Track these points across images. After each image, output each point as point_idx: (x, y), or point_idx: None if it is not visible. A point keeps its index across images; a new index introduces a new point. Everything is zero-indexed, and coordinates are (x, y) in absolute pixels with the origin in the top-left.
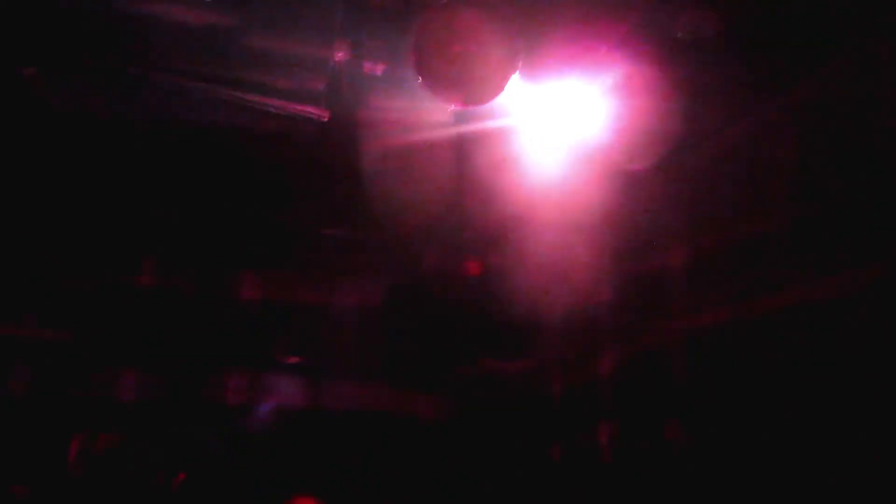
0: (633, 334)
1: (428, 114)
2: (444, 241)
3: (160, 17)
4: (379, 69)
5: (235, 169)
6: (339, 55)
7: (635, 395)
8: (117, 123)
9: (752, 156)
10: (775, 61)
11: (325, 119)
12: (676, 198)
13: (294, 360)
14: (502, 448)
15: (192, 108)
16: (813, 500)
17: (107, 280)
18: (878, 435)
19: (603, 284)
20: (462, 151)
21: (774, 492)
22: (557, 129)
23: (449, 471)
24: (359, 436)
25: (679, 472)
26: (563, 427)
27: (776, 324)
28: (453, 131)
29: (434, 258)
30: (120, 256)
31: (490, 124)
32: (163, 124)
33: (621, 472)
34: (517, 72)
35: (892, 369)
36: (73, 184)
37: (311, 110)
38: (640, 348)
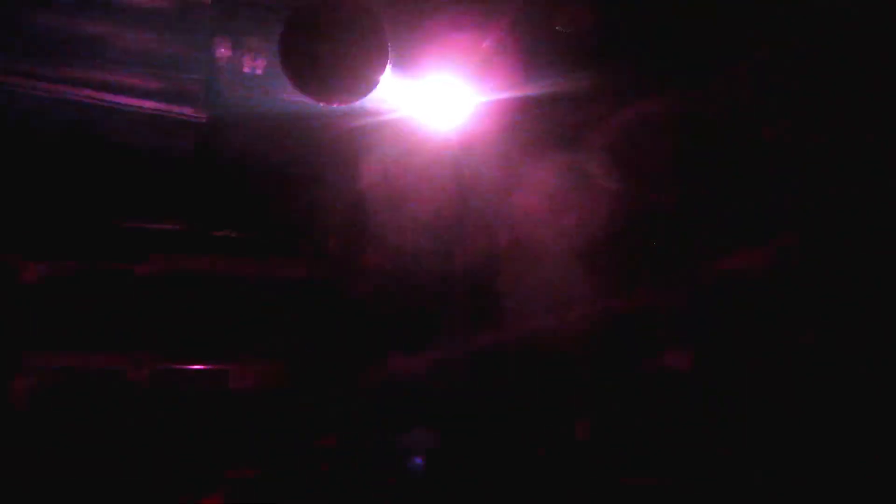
0: (527, 323)
1: (313, 108)
2: (337, 239)
3: (21, 17)
4: (260, 66)
5: (111, 174)
6: (218, 54)
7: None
8: None
9: (626, 148)
10: (653, 56)
11: (203, 120)
12: (557, 191)
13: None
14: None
15: (62, 112)
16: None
17: None
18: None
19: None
20: (345, 146)
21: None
22: (434, 121)
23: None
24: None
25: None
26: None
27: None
28: (336, 126)
29: (329, 257)
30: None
31: (373, 119)
32: (31, 129)
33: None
34: (390, 67)
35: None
36: None
37: (188, 111)
38: (538, 338)
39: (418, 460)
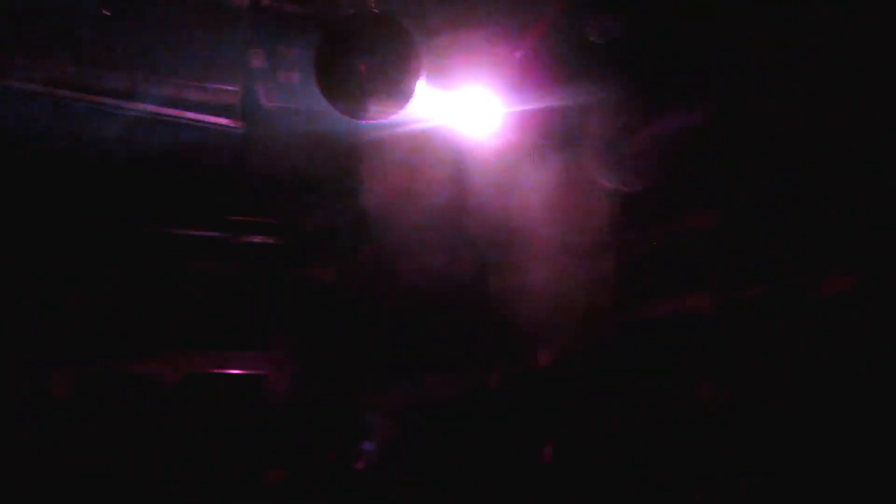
0: (564, 333)
1: (345, 120)
2: (368, 246)
3: (68, 31)
4: (294, 77)
5: (151, 182)
6: (253, 64)
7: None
8: (28, 142)
9: (659, 159)
10: (684, 68)
11: (240, 130)
12: (590, 199)
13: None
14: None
15: (104, 124)
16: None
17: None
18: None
19: (523, 284)
20: (379, 156)
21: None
22: (467, 132)
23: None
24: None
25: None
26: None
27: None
28: (370, 137)
29: (359, 263)
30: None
31: (408, 129)
32: (76, 140)
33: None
34: (425, 80)
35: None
36: None
37: (224, 122)
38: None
39: (368, 446)
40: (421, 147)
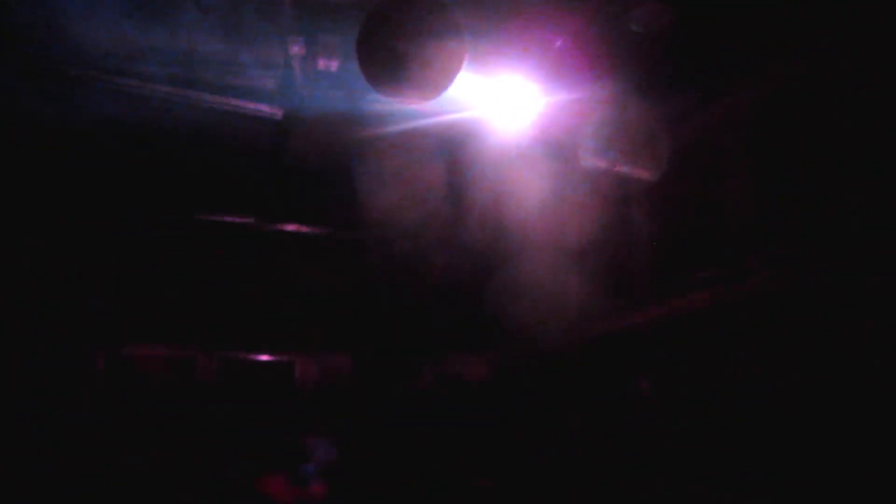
0: (598, 322)
1: (385, 108)
2: (405, 237)
3: (111, 19)
4: (334, 65)
5: (190, 167)
6: (293, 51)
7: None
8: (76, 127)
9: (706, 150)
10: (730, 56)
11: (279, 117)
12: (634, 190)
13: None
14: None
15: (144, 109)
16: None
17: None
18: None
19: (567, 276)
20: (419, 145)
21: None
22: (510, 121)
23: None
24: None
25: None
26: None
27: (740, 312)
28: (408, 125)
29: (397, 254)
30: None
31: (445, 118)
32: (116, 126)
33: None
34: (467, 66)
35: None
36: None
37: (264, 108)
38: (606, 334)
39: (309, 467)
40: (462, 135)
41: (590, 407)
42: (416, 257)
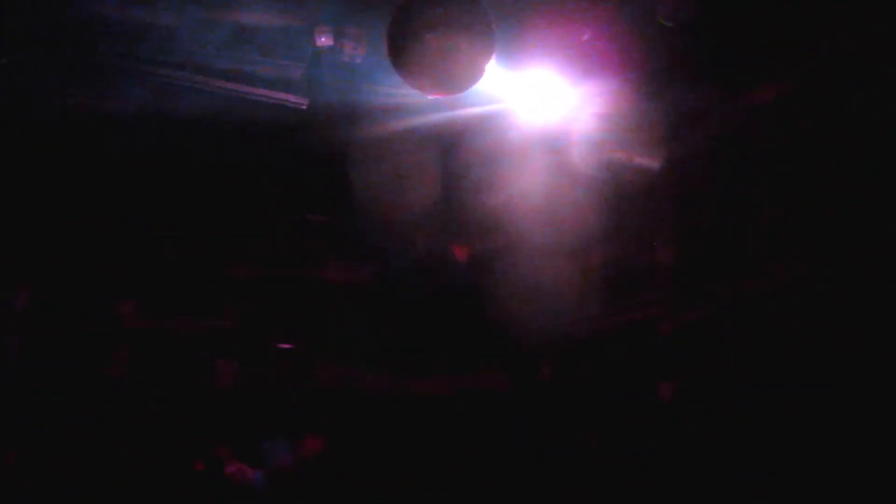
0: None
1: (409, 100)
2: (427, 228)
3: (139, 9)
4: (359, 56)
5: (215, 157)
6: (319, 42)
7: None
8: (98, 116)
9: (733, 143)
10: (756, 50)
11: (304, 107)
12: (661, 182)
13: (285, 346)
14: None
15: (171, 98)
16: None
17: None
18: None
19: (590, 274)
20: (444, 138)
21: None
22: (538, 114)
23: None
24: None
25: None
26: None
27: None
28: (435, 118)
29: (416, 246)
30: (104, 245)
31: (472, 111)
32: (143, 115)
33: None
34: (496, 59)
35: None
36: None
37: (289, 98)
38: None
39: (259, 475)
40: (487, 128)
41: (606, 410)
42: (439, 251)
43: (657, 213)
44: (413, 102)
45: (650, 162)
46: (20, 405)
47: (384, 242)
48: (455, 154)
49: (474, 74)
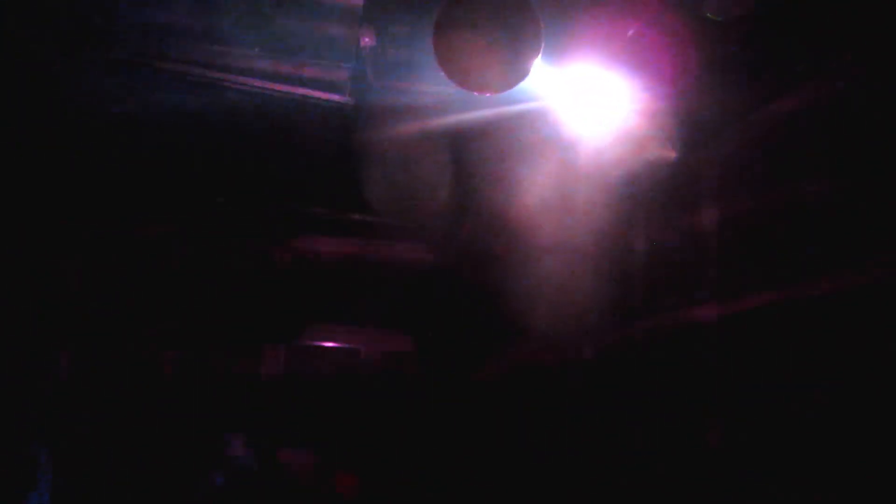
0: (651, 320)
1: (452, 98)
2: (471, 227)
3: (182, 10)
4: (403, 55)
5: (261, 156)
6: (364, 42)
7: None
8: (139, 115)
9: (783, 140)
10: (807, 45)
11: (350, 106)
12: (706, 181)
13: (328, 342)
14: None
15: (215, 97)
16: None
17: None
18: None
19: (628, 268)
20: (488, 136)
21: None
22: (585, 112)
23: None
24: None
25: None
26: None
27: (809, 310)
28: (478, 115)
29: (460, 243)
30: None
31: (517, 108)
32: (185, 114)
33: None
34: (541, 56)
35: None
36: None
37: (335, 98)
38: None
39: (219, 478)
40: (532, 126)
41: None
42: (481, 246)
43: (700, 211)
44: (454, 101)
45: (691, 159)
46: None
47: (427, 237)
48: (497, 151)
49: (521, 72)
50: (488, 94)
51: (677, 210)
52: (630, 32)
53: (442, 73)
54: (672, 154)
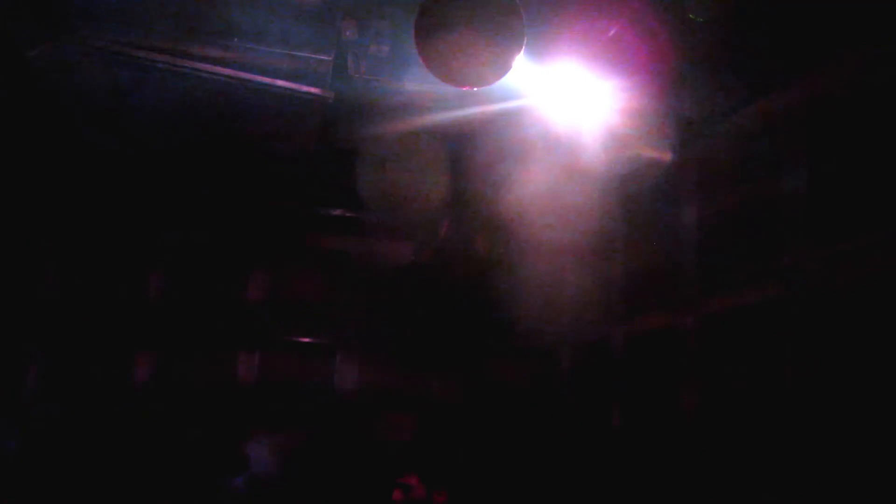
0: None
1: (435, 95)
2: (450, 225)
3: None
4: (385, 50)
5: (239, 150)
6: (347, 35)
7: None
8: (118, 107)
9: (762, 141)
10: (789, 45)
11: (330, 100)
12: (687, 178)
13: (305, 339)
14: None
15: (194, 90)
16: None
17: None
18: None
19: (612, 268)
20: (471, 134)
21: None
22: (565, 109)
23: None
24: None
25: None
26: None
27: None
28: (460, 112)
29: (438, 242)
30: (133, 239)
31: (499, 106)
32: (164, 108)
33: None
34: (523, 52)
35: None
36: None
37: (315, 91)
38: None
39: (239, 480)
40: (513, 123)
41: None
42: (460, 243)
43: (679, 210)
44: (437, 97)
45: (674, 158)
46: None
47: (407, 236)
48: (479, 149)
49: (503, 67)
50: (470, 89)
51: (662, 207)
52: (611, 32)
53: (425, 69)
54: (656, 152)
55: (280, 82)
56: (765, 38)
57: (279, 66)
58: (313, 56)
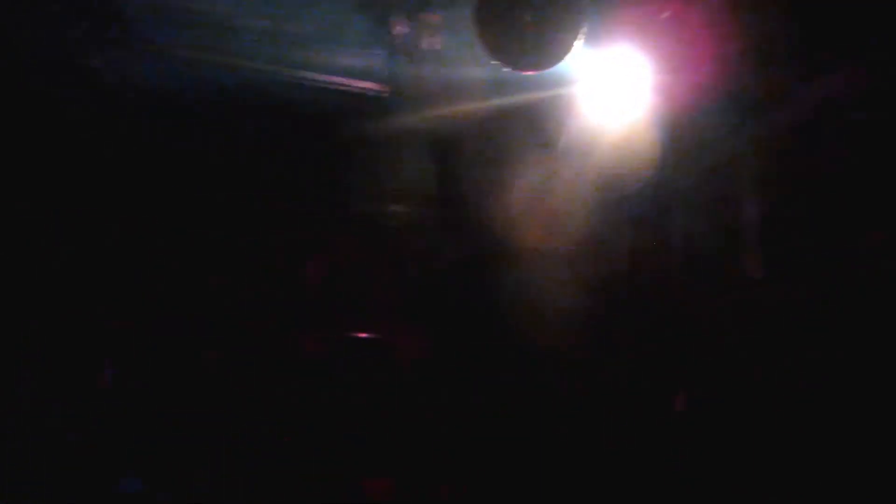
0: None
1: (488, 85)
2: (509, 217)
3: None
4: (437, 43)
5: (297, 145)
6: (398, 30)
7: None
8: (178, 102)
9: (824, 122)
10: (847, 25)
11: (386, 94)
12: (743, 162)
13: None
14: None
15: (252, 87)
16: None
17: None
18: None
19: (672, 247)
20: (526, 121)
21: None
22: (623, 94)
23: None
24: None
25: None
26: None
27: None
28: (515, 101)
29: (497, 235)
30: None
31: (554, 92)
32: (224, 103)
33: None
34: (583, 37)
35: None
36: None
37: (371, 86)
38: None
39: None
40: (567, 109)
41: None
42: (515, 236)
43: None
44: (488, 88)
45: (733, 141)
46: None
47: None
48: (538, 137)
49: (564, 50)
50: (528, 73)
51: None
52: (665, 14)
53: (476, 59)
54: (711, 139)
55: (335, 79)
56: (824, 21)
57: (334, 63)
58: (368, 52)
